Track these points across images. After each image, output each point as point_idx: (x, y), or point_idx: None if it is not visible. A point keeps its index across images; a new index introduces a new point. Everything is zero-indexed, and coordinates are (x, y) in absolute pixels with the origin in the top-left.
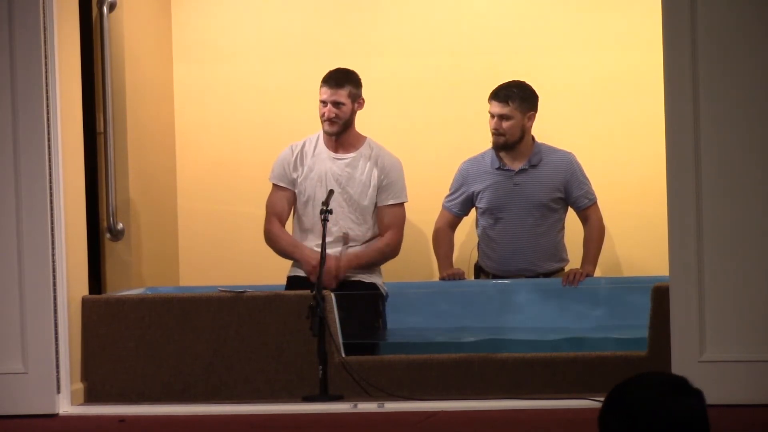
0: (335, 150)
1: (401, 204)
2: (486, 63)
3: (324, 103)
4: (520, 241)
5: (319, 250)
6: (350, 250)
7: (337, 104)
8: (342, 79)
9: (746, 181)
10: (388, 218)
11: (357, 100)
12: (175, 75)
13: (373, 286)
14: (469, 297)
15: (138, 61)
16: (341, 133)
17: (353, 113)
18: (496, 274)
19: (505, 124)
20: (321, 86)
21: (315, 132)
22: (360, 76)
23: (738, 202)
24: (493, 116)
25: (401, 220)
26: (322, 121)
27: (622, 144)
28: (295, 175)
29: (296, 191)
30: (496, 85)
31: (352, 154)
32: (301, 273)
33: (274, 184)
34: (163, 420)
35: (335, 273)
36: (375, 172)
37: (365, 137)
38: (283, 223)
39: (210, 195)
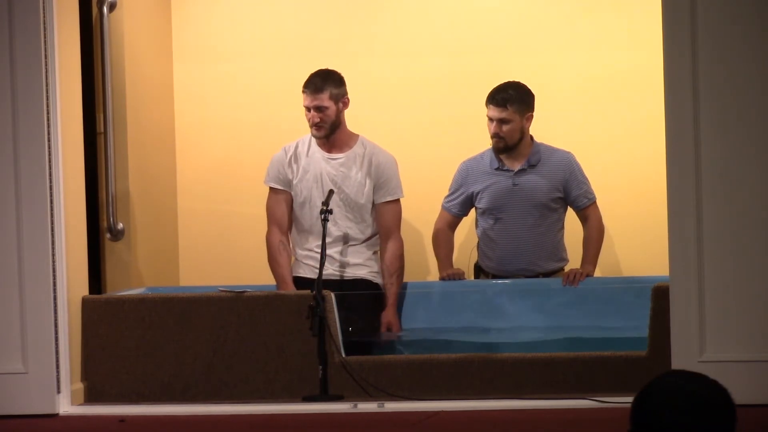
0: (328, 150)
1: (397, 200)
2: (486, 63)
3: (307, 108)
4: (519, 241)
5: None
6: (388, 305)
7: (319, 109)
8: (321, 83)
9: (746, 182)
10: (386, 218)
11: (341, 99)
12: (175, 75)
13: (374, 286)
14: (469, 297)
15: (138, 61)
16: (330, 135)
17: (339, 113)
18: (495, 274)
19: (505, 128)
20: (302, 92)
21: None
22: (341, 74)
23: (738, 203)
24: (491, 120)
25: (399, 218)
26: (309, 127)
27: (622, 144)
28: (290, 177)
29: (292, 193)
30: (495, 85)
31: (345, 154)
32: (303, 274)
33: (270, 188)
34: (163, 420)
35: (395, 327)
36: (369, 171)
37: (358, 135)
38: (282, 230)
39: (210, 195)
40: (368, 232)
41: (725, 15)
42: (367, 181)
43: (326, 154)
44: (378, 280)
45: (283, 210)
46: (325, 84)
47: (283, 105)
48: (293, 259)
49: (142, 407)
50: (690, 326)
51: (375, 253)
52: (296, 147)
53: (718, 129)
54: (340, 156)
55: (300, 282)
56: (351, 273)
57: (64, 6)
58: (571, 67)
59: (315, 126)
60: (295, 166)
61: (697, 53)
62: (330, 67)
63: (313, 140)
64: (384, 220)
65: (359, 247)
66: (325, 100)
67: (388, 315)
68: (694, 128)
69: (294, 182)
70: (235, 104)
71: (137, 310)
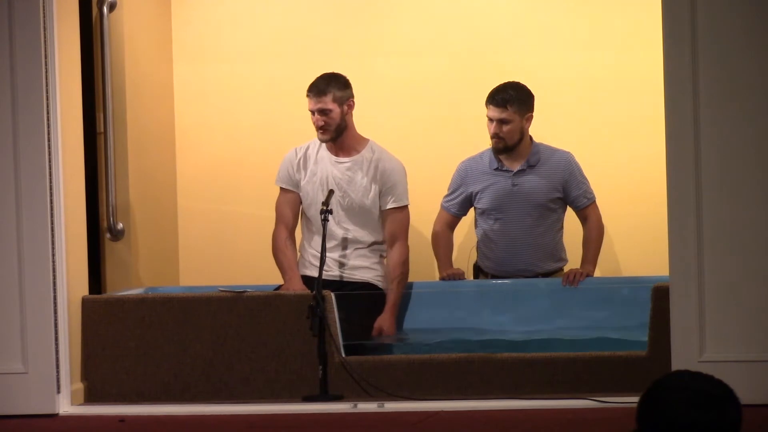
0: (336, 153)
1: (404, 207)
2: (486, 63)
3: (312, 112)
4: (519, 241)
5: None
6: (385, 309)
7: (323, 111)
8: (324, 86)
9: (746, 181)
10: (392, 224)
11: (345, 102)
12: (175, 75)
13: (379, 290)
14: (468, 297)
15: (138, 61)
16: (336, 138)
17: (344, 116)
18: (495, 275)
19: (505, 129)
20: (306, 96)
21: (314, 133)
22: (347, 77)
23: (738, 203)
24: (491, 121)
25: (405, 225)
26: (316, 130)
27: (621, 144)
28: (298, 178)
29: (301, 194)
30: (495, 85)
31: (352, 158)
32: (310, 273)
33: (280, 188)
34: (163, 420)
35: (389, 331)
36: (375, 176)
37: (367, 140)
38: (290, 230)
39: (210, 195)
40: (374, 236)
41: (725, 14)
42: (373, 187)
43: (334, 158)
44: (383, 284)
45: (291, 210)
46: (328, 87)
47: (283, 105)
48: (299, 255)
49: (142, 407)
50: (690, 326)
51: (382, 257)
52: (307, 149)
53: (718, 129)
54: (347, 160)
55: (307, 281)
56: (357, 276)
57: (64, 6)
58: (571, 66)
59: (320, 129)
60: (303, 168)
61: (697, 53)
62: (329, 68)
63: (323, 143)
64: (390, 226)
65: (364, 251)
66: (328, 102)
67: (383, 319)
68: (694, 128)
69: (302, 184)
70: (235, 104)
71: (137, 310)
